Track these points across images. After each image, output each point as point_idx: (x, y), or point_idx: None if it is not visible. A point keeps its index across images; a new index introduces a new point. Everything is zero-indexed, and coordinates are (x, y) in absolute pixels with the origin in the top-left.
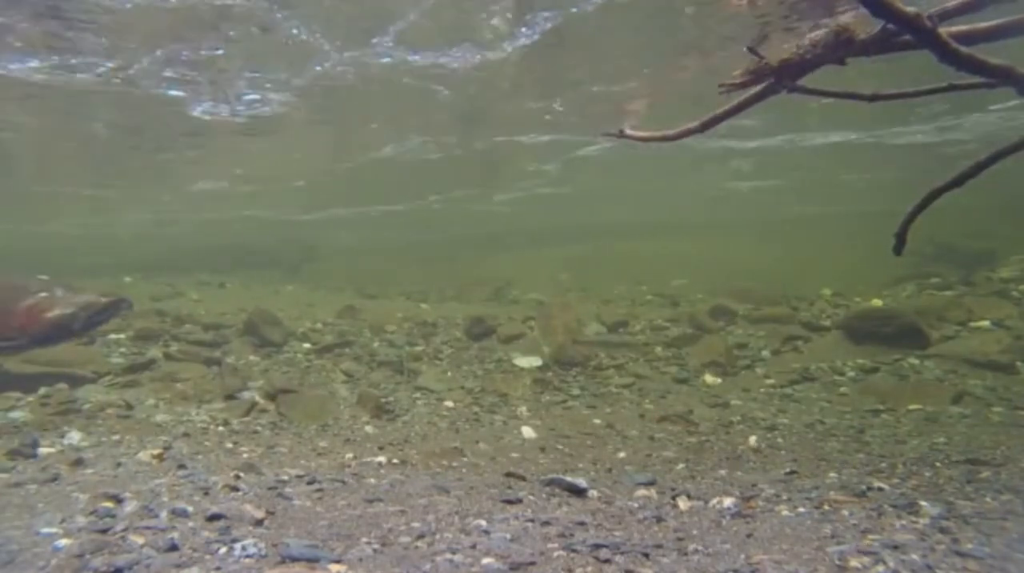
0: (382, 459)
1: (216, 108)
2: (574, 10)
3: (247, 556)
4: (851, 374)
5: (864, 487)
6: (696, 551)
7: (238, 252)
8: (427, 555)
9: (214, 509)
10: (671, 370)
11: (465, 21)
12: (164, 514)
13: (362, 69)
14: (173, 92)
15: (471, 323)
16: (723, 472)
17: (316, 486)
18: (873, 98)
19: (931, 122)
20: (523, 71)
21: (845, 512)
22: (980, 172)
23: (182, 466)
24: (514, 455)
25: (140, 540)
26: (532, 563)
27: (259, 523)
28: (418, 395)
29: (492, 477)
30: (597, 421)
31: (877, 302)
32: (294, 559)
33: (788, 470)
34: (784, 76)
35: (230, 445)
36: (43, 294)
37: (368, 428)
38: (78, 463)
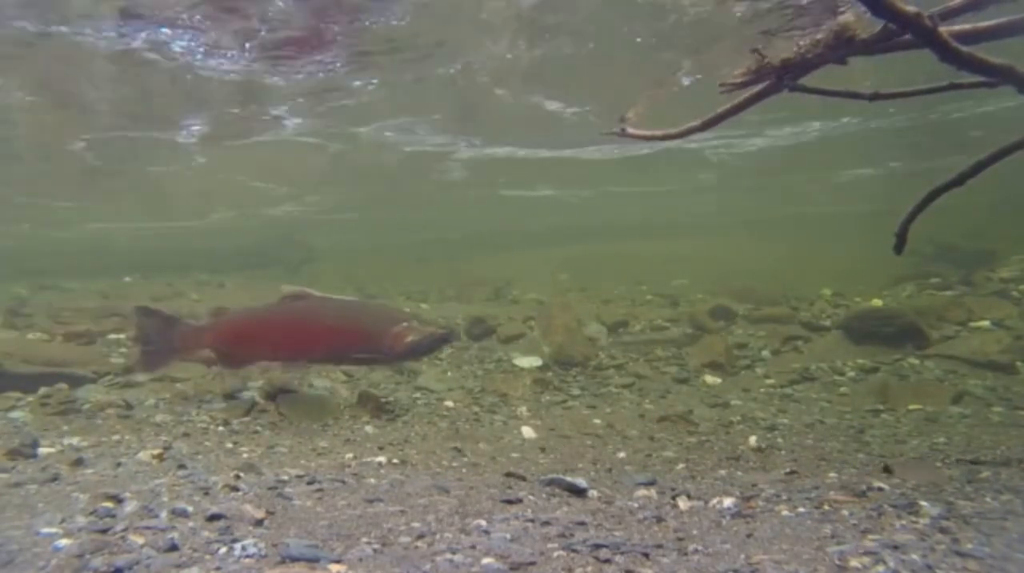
0: (382, 459)
1: None
2: None
3: (247, 556)
4: (851, 374)
5: (864, 487)
6: (696, 551)
7: (238, 252)
8: (427, 555)
9: (214, 509)
10: (671, 370)
11: None
12: (164, 514)
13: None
14: None
15: (471, 323)
16: (723, 472)
17: (316, 486)
18: (874, 97)
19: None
20: None
21: (845, 512)
22: (980, 171)
23: (182, 466)
24: (514, 455)
25: (140, 540)
26: (532, 563)
27: (259, 523)
28: (418, 395)
29: (492, 477)
30: (597, 421)
31: (877, 302)
32: (294, 559)
33: (788, 470)
34: (786, 76)
35: (230, 445)
36: (405, 323)
37: (368, 428)
38: (78, 463)
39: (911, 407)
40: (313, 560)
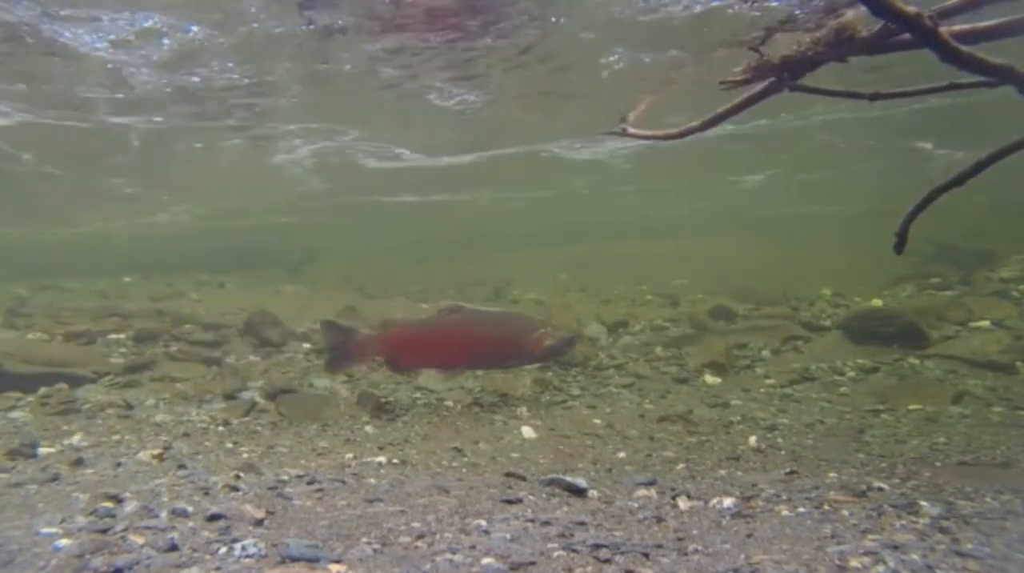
0: (382, 459)
1: None
2: None
3: (247, 556)
4: (851, 374)
5: (864, 487)
6: (696, 551)
7: (239, 252)
8: (427, 555)
9: (214, 509)
10: (671, 370)
11: None
12: (164, 514)
13: None
14: None
15: None
16: (723, 472)
17: (316, 486)
18: (874, 97)
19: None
20: None
21: (845, 512)
22: (980, 171)
23: (182, 466)
24: (514, 455)
25: (140, 540)
26: (532, 563)
27: (259, 523)
28: (418, 395)
29: (492, 477)
30: (597, 421)
31: (877, 302)
32: (294, 559)
33: (788, 470)
34: (786, 73)
35: (230, 445)
36: (542, 330)
37: (368, 428)
38: (78, 463)
39: (911, 407)
40: (313, 560)
